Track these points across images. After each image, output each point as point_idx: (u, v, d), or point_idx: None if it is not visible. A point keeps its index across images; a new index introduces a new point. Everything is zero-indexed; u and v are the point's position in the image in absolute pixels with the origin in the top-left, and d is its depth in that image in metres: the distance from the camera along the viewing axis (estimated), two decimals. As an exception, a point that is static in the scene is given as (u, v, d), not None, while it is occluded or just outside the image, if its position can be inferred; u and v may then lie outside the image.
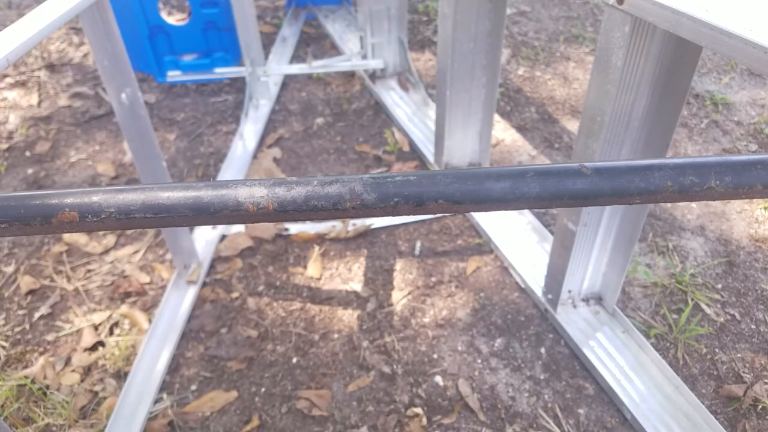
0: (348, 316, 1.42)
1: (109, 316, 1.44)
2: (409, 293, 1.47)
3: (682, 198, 0.27)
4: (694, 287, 1.45)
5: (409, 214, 0.29)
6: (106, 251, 1.63)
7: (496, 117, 2.08)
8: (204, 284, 1.51)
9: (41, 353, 1.36)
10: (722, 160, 0.27)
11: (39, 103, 2.27)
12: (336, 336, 1.38)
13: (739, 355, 1.31)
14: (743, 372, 1.27)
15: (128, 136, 1.22)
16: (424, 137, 1.97)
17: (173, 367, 1.32)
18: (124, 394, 1.24)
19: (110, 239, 1.66)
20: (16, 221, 0.28)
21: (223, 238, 1.64)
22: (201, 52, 2.28)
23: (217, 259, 1.58)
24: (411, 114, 2.09)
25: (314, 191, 0.28)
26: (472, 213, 1.65)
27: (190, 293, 1.47)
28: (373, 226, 1.65)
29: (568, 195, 0.27)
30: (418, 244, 1.61)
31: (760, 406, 1.20)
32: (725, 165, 0.27)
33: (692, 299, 1.43)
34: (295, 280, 1.52)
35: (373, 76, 2.26)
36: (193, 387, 1.28)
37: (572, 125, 2.05)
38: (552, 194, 0.28)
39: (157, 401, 1.25)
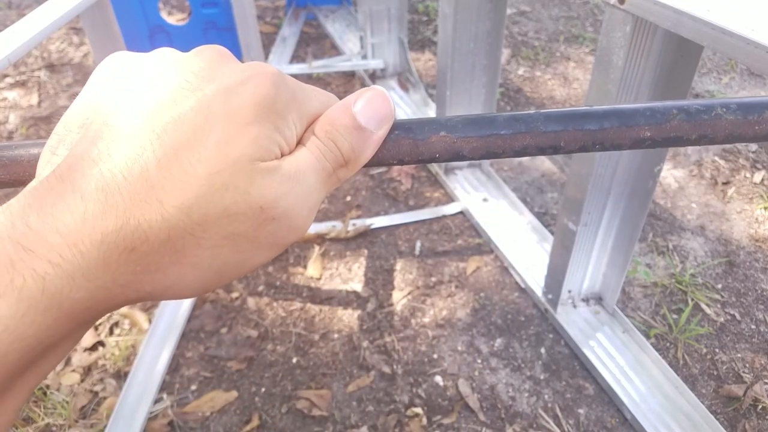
0: (348, 316, 1.42)
1: (109, 316, 1.44)
2: (409, 293, 1.47)
3: (692, 128, 0.27)
4: (694, 287, 1.45)
5: (410, 156, 0.28)
6: (106, 251, 1.62)
7: (496, 117, 2.08)
8: (204, 284, 1.51)
9: (41, 353, 1.36)
10: (725, 98, 0.28)
11: (39, 103, 2.27)
12: (336, 336, 1.38)
13: (739, 355, 1.31)
14: (743, 372, 1.27)
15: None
16: (424, 137, 1.96)
17: (173, 367, 1.32)
18: (124, 394, 1.24)
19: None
20: None
21: (223, 238, 1.64)
22: (201, 52, 2.27)
23: (217, 259, 1.58)
24: (411, 114, 2.09)
25: None
26: (472, 213, 1.65)
27: (190, 293, 1.47)
28: (373, 226, 1.65)
29: (575, 126, 0.27)
30: (418, 244, 1.61)
31: (760, 406, 1.20)
32: (729, 100, 0.27)
33: (692, 299, 1.43)
34: (295, 280, 1.52)
35: (373, 76, 2.26)
36: (193, 387, 1.28)
37: (572, 125, 2.05)
38: (561, 128, 0.27)
39: (157, 401, 1.25)
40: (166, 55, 0.26)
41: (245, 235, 0.23)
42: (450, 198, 1.76)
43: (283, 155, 0.25)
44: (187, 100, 0.23)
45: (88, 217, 0.20)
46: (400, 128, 0.28)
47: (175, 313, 1.42)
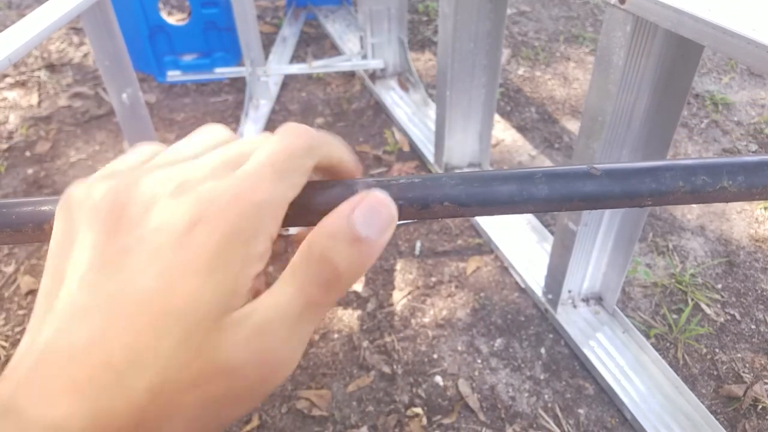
0: (348, 316, 1.42)
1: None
2: (409, 293, 1.47)
3: (694, 199, 0.27)
4: (694, 287, 1.46)
5: (413, 218, 0.28)
6: (106, 251, 1.62)
7: (496, 117, 2.08)
8: (204, 284, 1.51)
9: (41, 353, 1.36)
10: (734, 160, 0.27)
11: (39, 103, 2.27)
12: (336, 336, 1.38)
13: (739, 355, 1.31)
14: (743, 372, 1.27)
15: (129, 136, 1.22)
16: (424, 137, 1.97)
17: (173, 367, 1.32)
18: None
19: (110, 239, 1.66)
20: (7, 227, 0.27)
21: (223, 238, 1.64)
22: (201, 52, 2.28)
23: (217, 259, 1.58)
24: (411, 114, 2.09)
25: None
26: (473, 213, 1.65)
27: (191, 293, 1.47)
28: (373, 226, 1.65)
29: (578, 197, 0.26)
30: (418, 244, 1.61)
31: (760, 406, 1.20)
32: (737, 165, 0.27)
33: (692, 299, 1.43)
34: (296, 280, 1.52)
35: (373, 76, 2.26)
36: (194, 387, 1.28)
37: (572, 125, 2.05)
38: (561, 196, 0.26)
39: (157, 401, 1.25)
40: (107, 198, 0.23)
41: (220, 400, 0.22)
42: (450, 198, 1.75)
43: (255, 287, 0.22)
44: (137, 258, 0.21)
45: (67, 416, 0.20)
46: (403, 198, 0.27)
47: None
